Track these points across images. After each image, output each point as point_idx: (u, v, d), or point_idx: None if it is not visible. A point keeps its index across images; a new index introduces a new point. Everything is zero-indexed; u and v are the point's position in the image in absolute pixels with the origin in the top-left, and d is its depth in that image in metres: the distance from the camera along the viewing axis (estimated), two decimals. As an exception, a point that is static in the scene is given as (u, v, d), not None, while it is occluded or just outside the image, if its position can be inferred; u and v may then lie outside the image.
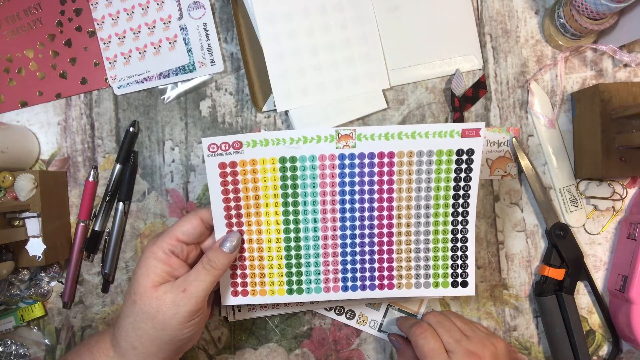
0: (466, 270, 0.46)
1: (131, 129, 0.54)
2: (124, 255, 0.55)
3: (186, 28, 0.55)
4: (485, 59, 0.54)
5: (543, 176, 0.54)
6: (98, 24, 0.55)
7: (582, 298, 0.53)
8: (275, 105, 0.53)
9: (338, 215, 0.44)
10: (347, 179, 0.43)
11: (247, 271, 0.45)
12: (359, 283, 0.45)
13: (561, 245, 0.51)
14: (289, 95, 0.53)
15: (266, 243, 0.45)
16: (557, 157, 0.53)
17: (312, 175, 0.43)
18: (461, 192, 0.44)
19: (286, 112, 0.53)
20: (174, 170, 0.55)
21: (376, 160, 0.43)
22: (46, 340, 0.55)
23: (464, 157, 0.43)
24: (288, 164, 0.43)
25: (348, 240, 0.45)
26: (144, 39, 0.55)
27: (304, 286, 0.45)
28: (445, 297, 0.53)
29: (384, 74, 0.53)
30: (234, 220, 0.44)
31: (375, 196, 0.44)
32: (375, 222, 0.44)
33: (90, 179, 0.54)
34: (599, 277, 0.53)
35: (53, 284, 0.55)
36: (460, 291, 0.46)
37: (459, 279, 0.46)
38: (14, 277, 0.53)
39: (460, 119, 0.53)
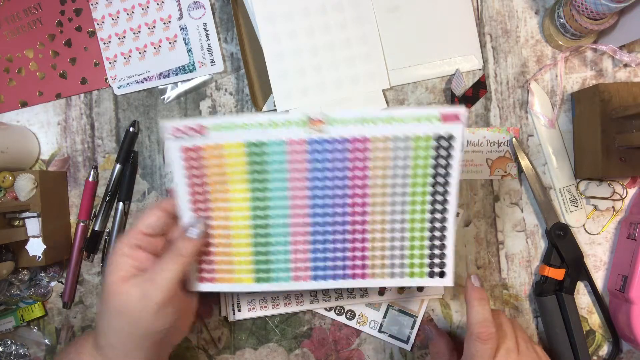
0: (444, 260, 0.42)
1: (131, 129, 0.54)
2: None
3: (186, 28, 0.55)
4: (485, 59, 0.54)
5: (543, 176, 0.54)
6: (98, 24, 0.55)
7: (582, 298, 0.53)
8: (275, 105, 0.53)
9: (308, 201, 0.41)
10: (318, 165, 0.41)
11: (214, 257, 0.43)
12: (330, 272, 0.43)
13: (561, 245, 0.51)
14: (289, 95, 0.53)
15: (233, 229, 0.42)
16: (557, 157, 0.53)
17: (281, 160, 0.41)
18: (440, 180, 0.41)
19: (286, 112, 0.53)
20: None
21: (349, 146, 0.40)
22: (46, 340, 0.55)
23: (444, 143, 0.40)
24: (256, 149, 0.40)
25: (319, 227, 0.42)
26: (144, 39, 0.55)
27: (272, 274, 0.43)
28: (444, 297, 0.53)
29: (384, 74, 0.53)
30: (200, 205, 0.42)
31: (348, 182, 0.41)
32: (348, 209, 0.42)
33: (90, 179, 0.54)
34: (599, 277, 0.53)
35: (53, 284, 0.55)
36: (437, 281, 0.43)
37: (437, 269, 0.43)
38: (14, 277, 0.53)
39: (460, 119, 0.53)
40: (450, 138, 0.40)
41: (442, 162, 0.40)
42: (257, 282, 0.43)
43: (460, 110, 0.39)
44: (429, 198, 0.41)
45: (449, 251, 0.42)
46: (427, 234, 0.42)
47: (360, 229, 0.42)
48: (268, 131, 0.40)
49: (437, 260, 0.43)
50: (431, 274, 0.43)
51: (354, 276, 0.43)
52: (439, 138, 0.40)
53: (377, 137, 0.40)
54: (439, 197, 0.41)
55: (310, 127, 0.40)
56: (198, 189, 0.42)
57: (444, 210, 0.42)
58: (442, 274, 0.43)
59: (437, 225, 0.42)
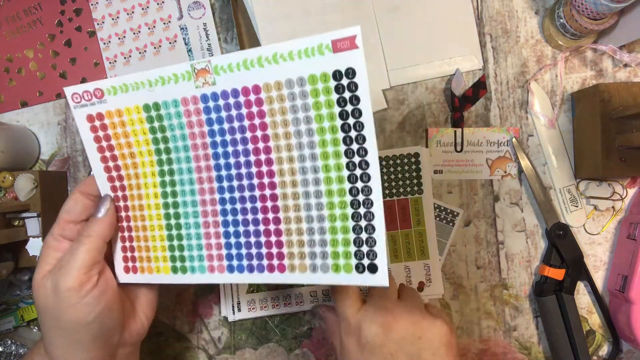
0: (374, 249, 0.33)
1: (131, 129, 0.54)
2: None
3: (186, 28, 0.55)
4: (485, 59, 0.54)
5: (543, 176, 0.54)
6: (98, 24, 0.55)
7: (582, 298, 0.53)
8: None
9: (214, 174, 0.36)
10: (215, 127, 0.36)
11: (134, 243, 0.39)
12: (245, 262, 0.37)
13: (561, 245, 0.51)
14: (289, 95, 0.52)
15: (147, 210, 0.38)
16: (557, 157, 0.53)
17: (180, 124, 0.37)
18: (352, 134, 0.32)
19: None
20: (174, 170, 0.55)
21: (242, 99, 0.34)
22: (46, 340, 0.55)
23: (345, 81, 0.32)
24: (153, 113, 0.37)
25: (228, 206, 0.36)
26: (144, 39, 0.55)
27: (187, 264, 0.38)
28: (444, 297, 0.53)
29: (384, 74, 0.53)
30: (117, 183, 0.39)
31: (250, 147, 0.35)
32: (255, 181, 0.35)
33: (90, 179, 0.54)
34: (599, 277, 0.53)
35: (53, 284, 0.55)
36: (367, 278, 0.33)
37: (365, 261, 0.33)
38: (14, 277, 0.53)
39: (460, 119, 0.53)
40: (350, 73, 0.31)
41: (349, 107, 0.32)
42: (174, 272, 0.39)
43: (355, 30, 0.30)
44: (343, 160, 0.33)
45: (379, 236, 0.33)
46: (349, 210, 0.33)
47: (271, 206, 0.35)
48: (158, 89, 0.36)
49: (364, 249, 0.33)
50: (359, 267, 0.33)
51: (270, 268, 0.36)
52: (337, 75, 0.32)
53: (269, 84, 0.33)
54: (355, 158, 0.33)
55: (197, 79, 0.35)
56: (111, 163, 0.39)
57: (364, 176, 0.33)
58: (372, 268, 0.33)
59: (360, 198, 0.33)
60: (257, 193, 0.36)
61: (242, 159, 0.36)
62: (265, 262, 0.36)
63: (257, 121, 0.35)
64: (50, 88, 0.55)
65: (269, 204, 0.36)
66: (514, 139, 0.53)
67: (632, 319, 0.48)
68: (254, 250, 0.36)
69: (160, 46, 0.55)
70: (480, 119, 0.54)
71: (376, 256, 0.33)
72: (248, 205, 0.36)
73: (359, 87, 0.31)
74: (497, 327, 0.54)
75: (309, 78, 0.32)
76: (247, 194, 0.36)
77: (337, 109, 0.32)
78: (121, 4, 0.55)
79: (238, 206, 0.37)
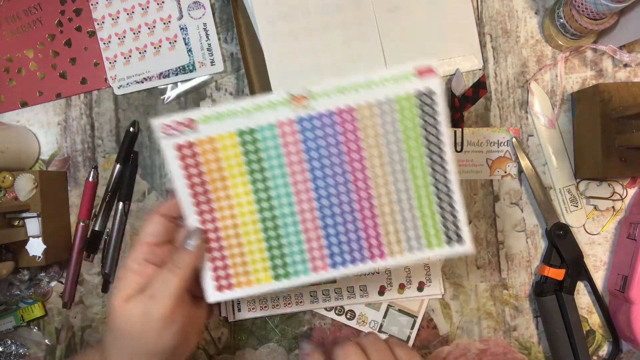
0: (458, 224, 0.41)
1: (131, 129, 0.54)
2: (124, 255, 0.55)
3: (186, 28, 0.55)
4: (485, 59, 0.54)
5: (543, 176, 0.54)
6: (98, 24, 0.55)
7: (582, 298, 0.53)
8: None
9: (311, 185, 0.41)
10: (311, 144, 0.40)
11: (228, 261, 0.41)
12: (347, 257, 0.41)
13: (561, 245, 0.51)
14: (289, 95, 0.53)
15: (242, 228, 0.41)
16: (557, 157, 0.53)
17: (275, 146, 0.40)
18: (433, 140, 0.40)
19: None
20: (174, 170, 0.55)
21: (337, 119, 0.40)
22: (46, 340, 0.55)
23: (427, 100, 0.40)
24: (248, 137, 0.40)
25: (327, 211, 0.41)
26: (144, 39, 0.55)
27: (290, 269, 0.42)
28: (444, 297, 0.53)
29: (384, 74, 0.53)
30: (204, 207, 0.41)
31: (346, 158, 0.40)
32: (351, 186, 0.41)
33: (90, 179, 0.54)
34: (599, 277, 0.53)
35: (53, 284, 0.55)
36: (456, 248, 0.41)
37: (453, 235, 0.41)
38: (14, 277, 0.53)
39: (460, 119, 0.53)
40: (431, 93, 0.39)
41: (430, 120, 0.40)
42: (277, 279, 0.42)
43: (432, 62, 0.39)
44: (426, 160, 0.41)
45: (461, 215, 0.41)
46: (435, 198, 0.41)
47: (368, 205, 0.41)
48: (255, 116, 0.40)
49: (451, 226, 0.41)
50: (449, 242, 0.41)
51: (372, 257, 0.42)
52: (420, 95, 0.39)
53: (362, 105, 0.40)
54: (436, 158, 0.41)
55: (295, 104, 0.40)
56: (199, 189, 0.41)
57: (444, 171, 0.41)
58: (459, 240, 0.41)
59: (442, 188, 0.41)
60: (353, 195, 0.41)
61: (338, 170, 0.41)
62: (366, 252, 0.41)
63: (351, 136, 0.40)
64: (50, 88, 0.55)
65: (364, 198, 0.41)
66: (514, 139, 0.53)
67: (632, 319, 0.48)
68: (354, 244, 0.41)
69: (160, 46, 0.55)
70: (480, 119, 0.54)
71: (460, 228, 0.41)
72: (345, 204, 0.41)
73: (437, 104, 0.40)
74: (497, 327, 0.54)
75: (396, 98, 0.40)
76: (344, 197, 0.41)
77: (420, 121, 0.40)
78: (121, 4, 0.55)
79: (336, 206, 0.41)
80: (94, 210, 0.55)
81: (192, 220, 0.41)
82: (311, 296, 0.53)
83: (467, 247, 0.41)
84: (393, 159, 0.41)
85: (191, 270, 0.39)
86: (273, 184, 0.41)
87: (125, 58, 0.55)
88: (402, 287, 0.53)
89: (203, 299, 0.42)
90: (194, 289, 0.41)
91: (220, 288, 0.42)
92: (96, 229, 0.54)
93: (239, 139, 0.40)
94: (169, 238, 0.41)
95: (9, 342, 0.54)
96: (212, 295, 0.42)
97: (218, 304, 0.54)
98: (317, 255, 0.42)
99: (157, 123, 0.40)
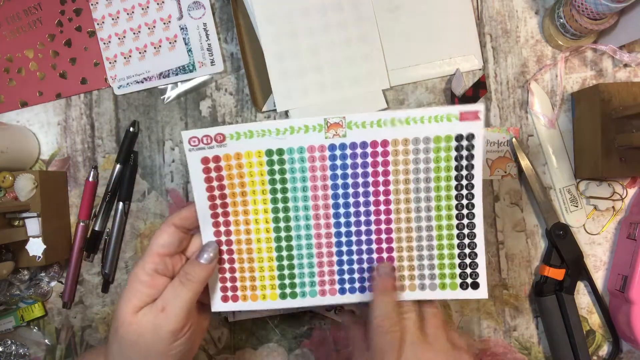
0: (476, 270, 0.41)
1: (131, 129, 0.54)
2: (124, 255, 0.55)
3: (186, 28, 0.55)
4: (485, 59, 0.54)
5: (543, 176, 0.54)
6: (98, 24, 0.55)
7: (582, 298, 0.53)
8: (275, 105, 0.53)
9: (331, 211, 0.41)
10: (338, 172, 0.40)
11: (237, 274, 0.42)
12: (357, 285, 0.42)
13: (561, 245, 0.51)
14: (289, 95, 0.53)
15: (255, 244, 0.41)
16: (557, 157, 0.53)
17: (302, 168, 0.40)
18: (464, 182, 0.40)
19: (286, 112, 0.53)
20: (174, 170, 0.55)
21: (369, 150, 0.39)
22: (46, 340, 0.55)
23: (464, 142, 0.39)
24: (275, 157, 0.40)
25: (343, 239, 0.41)
26: (144, 39, 0.55)
27: (297, 290, 0.42)
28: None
29: (384, 74, 0.53)
30: (221, 219, 0.41)
31: (371, 189, 0.40)
32: (372, 217, 0.41)
33: (90, 179, 0.54)
34: (599, 277, 0.53)
35: (53, 284, 0.55)
36: (470, 293, 0.41)
37: (469, 280, 0.41)
38: (14, 277, 0.53)
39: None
40: (470, 137, 0.39)
41: (464, 162, 0.40)
42: (283, 298, 0.42)
43: (479, 107, 0.38)
44: (454, 202, 0.40)
45: (481, 260, 0.41)
46: (456, 241, 0.41)
47: (386, 238, 0.41)
48: (287, 137, 0.39)
49: (468, 270, 0.41)
50: (463, 285, 0.41)
51: None
52: (459, 137, 0.39)
53: (397, 140, 0.39)
54: (464, 201, 0.40)
55: (329, 131, 0.39)
56: (218, 202, 0.41)
57: (470, 215, 0.40)
58: (475, 285, 0.41)
59: (465, 231, 0.41)
60: (372, 227, 0.41)
61: (361, 199, 0.40)
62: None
63: (380, 168, 0.40)
64: (50, 88, 0.55)
65: (383, 235, 0.41)
66: (514, 139, 0.53)
67: (632, 319, 0.48)
68: (366, 274, 0.41)
69: (160, 46, 0.55)
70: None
71: (478, 275, 0.41)
72: (363, 234, 0.41)
73: (475, 148, 0.39)
74: (497, 327, 0.54)
75: (434, 137, 0.39)
76: (363, 227, 0.41)
77: (454, 163, 0.40)
78: (121, 4, 0.55)
79: (353, 237, 0.41)
80: (94, 210, 0.55)
81: (208, 233, 0.41)
82: (311, 296, 0.53)
83: (482, 293, 0.41)
84: (420, 196, 0.40)
85: (203, 285, 0.39)
86: (293, 205, 0.41)
87: (125, 58, 0.55)
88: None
89: (208, 305, 0.42)
90: (201, 297, 0.41)
91: (225, 299, 0.42)
92: (96, 229, 0.54)
93: (267, 157, 0.40)
94: (181, 249, 0.41)
95: (9, 342, 0.54)
96: (218, 305, 0.42)
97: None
98: (327, 280, 0.42)
99: (186, 135, 0.40)
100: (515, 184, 0.54)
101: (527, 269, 0.54)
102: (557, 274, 0.51)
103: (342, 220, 0.41)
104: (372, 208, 0.41)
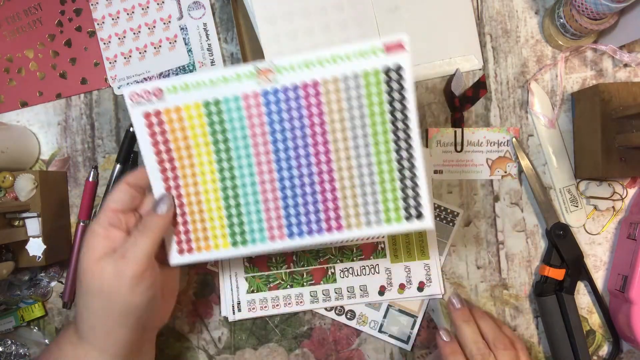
0: (419, 200, 0.41)
1: (131, 129, 0.54)
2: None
3: (186, 28, 0.55)
4: (485, 59, 0.54)
5: (543, 176, 0.54)
6: (98, 24, 0.55)
7: (582, 298, 0.53)
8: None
9: (272, 157, 0.42)
10: (275, 117, 0.41)
11: (190, 226, 0.43)
12: (304, 228, 0.42)
13: (561, 245, 0.51)
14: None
15: (204, 195, 0.42)
16: (557, 157, 0.53)
17: (239, 117, 0.41)
18: (399, 116, 0.40)
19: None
20: (174, 170, 0.55)
21: (301, 93, 0.40)
22: (46, 341, 0.55)
23: (394, 76, 0.39)
24: (213, 109, 0.41)
25: (287, 183, 0.42)
26: (144, 39, 0.55)
27: (247, 237, 0.43)
28: (444, 297, 0.53)
29: (384, 74, 0.53)
30: (170, 174, 0.42)
31: (308, 131, 0.41)
32: (313, 159, 0.41)
33: (91, 179, 0.54)
34: (599, 277, 0.53)
35: (53, 284, 0.55)
36: (415, 224, 0.41)
37: (413, 211, 0.41)
38: (14, 277, 0.53)
39: (460, 119, 0.53)
40: (399, 69, 0.39)
41: (397, 96, 0.40)
42: (234, 245, 0.43)
43: (403, 37, 0.38)
44: (391, 136, 0.40)
45: (423, 190, 0.41)
46: (397, 174, 0.41)
47: (328, 178, 0.42)
48: (220, 87, 0.40)
49: (412, 202, 0.41)
50: (408, 217, 0.41)
51: (329, 229, 0.42)
52: (387, 71, 0.39)
53: (327, 80, 0.40)
54: (401, 134, 0.40)
55: (260, 77, 0.40)
56: (164, 156, 0.42)
57: (409, 148, 0.40)
58: (419, 215, 0.41)
59: (405, 164, 0.41)
60: (314, 169, 0.42)
61: (300, 142, 0.41)
62: (323, 224, 0.42)
63: (315, 110, 0.41)
64: (50, 88, 0.55)
65: (325, 171, 0.42)
66: (514, 139, 0.53)
67: (632, 319, 0.48)
68: (312, 215, 0.42)
69: (160, 46, 0.55)
70: (480, 119, 0.54)
71: (421, 204, 0.41)
72: (305, 176, 0.42)
73: (405, 80, 0.39)
74: (497, 327, 0.54)
75: (363, 73, 0.39)
76: (305, 170, 0.42)
77: (386, 97, 0.40)
78: (121, 4, 0.55)
79: (296, 179, 0.42)
80: (94, 210, 0.55)
81: (159, 188, 0.42)
82: (311, 296, 0.53)
83: (426, 223, 0.41)
84: (357, 134, 0.41)
85: (161, 234, 0.40)
86: (236, 154, 0.42)
87: (125, 58, 0.55)
88: (402, 287, 0.53)
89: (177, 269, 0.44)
90: (160, 256, 0.42)
91: (181, 252, 0.43)
92: (96, 229, 0.54)
93: (205, 109, 0.41)
94: (134, 206, 0.42)
95: (9, 342, 0.54)
96: (174, 257, 0.43)
97: (218, 304, 0.54)
98: (275, 224, 0.42)
99: (127, 91, 0.41)
100: (515, 184, 0.54)
101: (527, 269, 0.54)
102: (557, 274, 0.51)
103: (284, 165, 0.42)
104: (311, 150, 0.41)
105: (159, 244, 0.41)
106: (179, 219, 0.43)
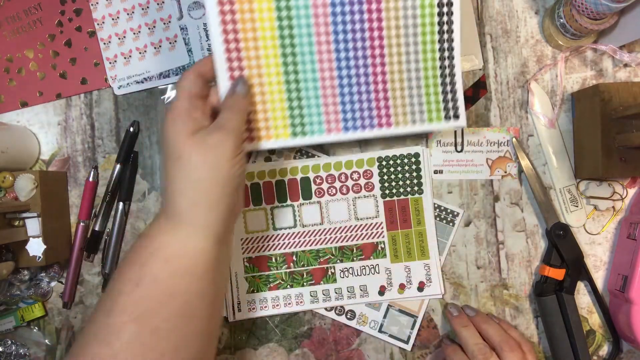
0: (457, 104, 0.47)
1: (131, 129, 0.54)
2: (124, 255, 0.55)
3: (186, 28, 0.55)
4: (485, 59, 0.54)
5: (543, 176, 0.54)
6: (98, 24, 0.55)
7: (582, 298, 0.53)
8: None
9: (333, 55, 0.45)
10: (339, 18, 0.45)
11: (252, 116, 0.45)
12: (358, 122, 0.46)
13: (561, 245, 0.51)
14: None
15: (267, 86, 0.45)
16: (557, 157, 0.53)
17: (306, 14, 0.44)
18: (445, 28, 0.46)
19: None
20: (174, 170, 0.55)
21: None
22: (46, 341, 0.55)
23: None
24: (283, 4, 0.44)
25: (345, 80, 0.46)
26: (144, 39, 0.55)
27: (307, 128, 0.46)
28: (444, 297, 0.53)
29: (384, 74, 0.54)
30: (235, 64, 0.44)
31: (367, 35, 0.45)
32: (369, 61, 0.46)
33: (91, 179, 0.54)
34: (599, 277, 0.53)
35: (53, 284, 0.55)
36: (453, 123, 0.47)
37: (451, 112, 0.47)
38: (14, 277, 0.53)
39: (460, 119, 0.53)
40: None
41: (445, 9, 0.46)
42: (294, 135, 0.46)
43: None
44: (437, 46, 0.46)
45: (460, 95, 0.47)
46: (440, 80, 0.47)
47: (382, 78, 0.46)
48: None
49: (450, 104, 0.47)
50: (447, 117, 0.47)
51: (380, 125, 0.47)
52: None
53: None
54: (445, 45, 0.47)
55: None
56: (232, 45, 0.43)
57: (450, 57, 0.47)
58: (456, 116, 0.47)
59: (447, 71, 0.47)
60: (370, 68, 0.46)
61: (359, 44, 0.46)
62: (375, 120, 0.47)
63: (375, 15, 0.45)
64: (50, 88, 0.55)
65: (379, 73, 0.46)
66: (514, 139, 0.53)
67: (632, 319, 0.48)
68: (366, 112, 0.47)
69: (160, 46, 0.55)
70: (480, 119, 0.54)
71: (458, 107, 0.48)
72: (362, 76, 0.46)
73: (453, 3, 0.46)
74: (497, 327, 0.54)
75: None
76: (362, 69, 0.46)
77: (436, 9, 0.46)
78: (121, 4, 0.55)
79: (353, 77, 0.46)
80: (94, 210, 0.55)
81: (224, 76, 0.43)
82: (311, 296, 0.53)
83: (461, 122, 0.48)
84: (409, 39, 0.46)
85: (245, 114, 0.41)
86: (300, 49, 0.45)
87: (125, 58, 0.55)
88: (402, 287, 0.53)
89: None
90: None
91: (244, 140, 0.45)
92: (96, 229, 0.54)
93: (275, 3, 0.44)
94: (203, 94, 0.42)
95: (9, 342, 0.54)
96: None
97: (218, 304, 0.54)
98: (333, 118, 0.46)
99: None
100: (515, 184, 0.54)
101: (527, 269, 0.54)
102: (557, 274, 0.51)
103: (344, 63, 0.46)
104: (369, 52, 0.46)
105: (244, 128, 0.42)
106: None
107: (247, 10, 0.43)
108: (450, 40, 0.47)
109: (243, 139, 0.41)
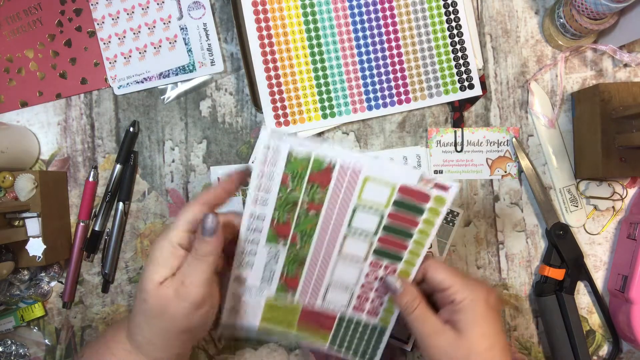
0: (470, 75, 0.53)
1: (131, 129, 0.54)
2: (124, 255, 0.55)
3: (186, 28, 0.55)
4: (485, 59, 0.54)
5: (543, 176, 0.54)
6: (98, 24, 0.55)
7: (582, 298, 0.53)
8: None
9: (354, 43, 0.52)
10: (356, 10, 0.52)
11: (286, 103, 0.52)
12: (380, 102, 0.53)
13: (561, 245, 0.51)
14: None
15: (299, 76, 0.52)
16: (557, 157, 0.53)
17: (328, 10, 0.52)
18: (451, 9, 0.52)
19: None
20: (174, 170, 0.55)
21: None
22: (46, 340, 0.55)
23: None
24: (307, 1, 0.52)
25: (366, 65, 0.53)
26: (144, 39, 0.55)
27: (335, 110, 0.52)
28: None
29: (384, 74, 0.54)
30: (269, 57, 0.51)
31: (382, 22, 0.52)
32: (386, 45, 0.52)
33: (90, 179, 0.54)
34: (599, 277, 0.53)
35: (53, 284, 0.55)
36: (469, 93, 0.53)
37: (466, 83, 0.53)
38: (14, 277, 0.53)
39: (460, 119, 0.53)
40: None
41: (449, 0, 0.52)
42: (324, 117, 0.53)
43: None
44: (446, 25, 0.53)
45: (472, 66, 0.53)
46: (451, 54, 0.53)
47: (398, 60, 0.53)
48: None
49: (464, 76, 0.53)
50: (462, 88, 0.53)
51: (400, 102, 0.53)
52: None
53: None
54: (453, 23, 0.53)
55: None
56: (266, 41, 0.51)
57: (459, 33, 0.53)
58: (471, 86, 0.53)
59: (457, 46, 0.53)
60: (387, 52, 0.53)
61: (376, 31, 0.53)
62: (395, 97, 0.53)
63: (387, 4, 0.52)
64: (50, 88, 0.55)
65: (395, 58, 0.53)
66: (514, 139, 0.53)
67: (632, 319, 0.48)
68: (386, 91, 0.53)
69: (160, 46, 0.55)
70: (480, 119, 0.54)
71: (472, 77, 0.53)
72: (380, 60, 0.53)
73: None
74: (497, 327, 0.54)
75: None
76: (380, 54, 0.53)
77: (442, 1, 0.53)
78: (121, 4, 0.55)
79: (373, 62, 0.53)
80: (94, 210, 0.55)
81: (260, 71, 0.51)
82: (311, 296, 0.53)
83: (477, 91, 0.53)
84: (419, 23, 0.52)
85: (215, 256, 0.40)
86: (324, 41, 0.52)
87: (125, 58, 0.55)
88: (402, 287, 0.53)
89: (223, 275, 0.44)
90: (219, 266, 0.42)
91: (279, 124, 0.52)
92: (96, 229, 0.54)
93: (300, 1, 0.51)
94: (189, 244, 0.41)
95: (9, 342, 0.54)
96: (272, 127, 0.52)
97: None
98: (357, 99, 0.53)
99: None
100: (515, 184, 0.54)
101: (527, 269, 0.54)
102: (557, 274, 0.51)
103: (363, 50, 0.53)
104: (384, 38, 0.53)
105: (218, 263, 0.41)
106: (277, 97, 0.52)
107: (277, 9, 0.51)
108: (457, 17, 0.52)
109: (209, 288, 0.40)
